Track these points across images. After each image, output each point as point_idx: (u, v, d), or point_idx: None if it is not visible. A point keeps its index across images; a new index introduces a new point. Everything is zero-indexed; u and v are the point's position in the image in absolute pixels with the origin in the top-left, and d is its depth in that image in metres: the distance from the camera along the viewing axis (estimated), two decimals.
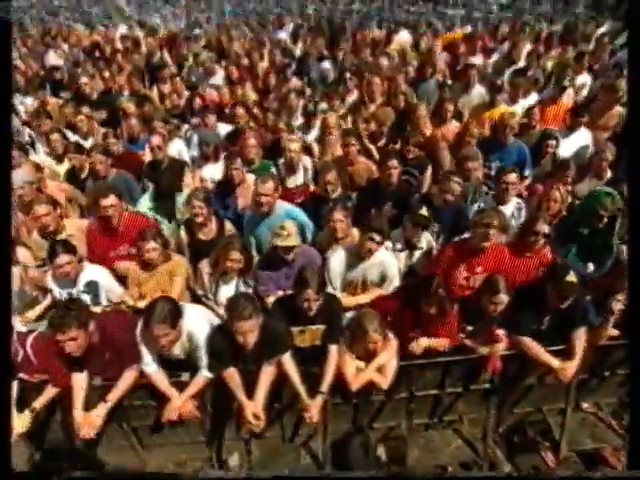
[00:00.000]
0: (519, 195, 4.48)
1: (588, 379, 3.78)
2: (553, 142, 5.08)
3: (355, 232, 3.96)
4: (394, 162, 4.32)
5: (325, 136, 5.21)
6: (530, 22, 8.61)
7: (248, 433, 3.13)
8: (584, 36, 7.99)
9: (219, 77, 7.25)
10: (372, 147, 5.35)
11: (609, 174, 4.75)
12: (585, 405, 4.02)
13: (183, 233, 4.07)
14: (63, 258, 3.31)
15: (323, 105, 6.13)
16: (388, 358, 3.19)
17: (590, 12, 8.99)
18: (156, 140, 4.95)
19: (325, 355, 3.21)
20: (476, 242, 3.56)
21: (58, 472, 1.59)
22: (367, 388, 3.27)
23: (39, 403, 3.06)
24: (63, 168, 5.22)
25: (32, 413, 3.02)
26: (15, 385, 3.07)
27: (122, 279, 3.78)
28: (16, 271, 3.60)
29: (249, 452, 3.71)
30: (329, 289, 3.53)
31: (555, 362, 3.26)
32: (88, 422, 2.94)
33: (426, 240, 3.98)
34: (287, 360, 3.15)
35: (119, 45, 8.36)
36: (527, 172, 5.03)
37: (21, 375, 3.08)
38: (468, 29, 8.57)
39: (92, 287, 3.50)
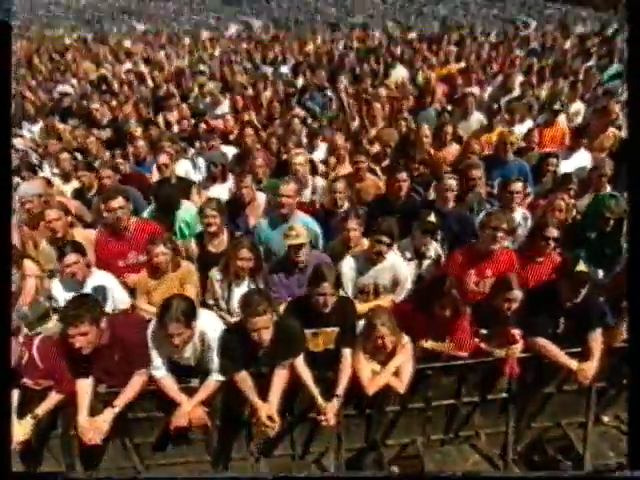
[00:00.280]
0: None
1: (607, 389, 3.69)
2: (554, 160, 5.18)
3: (365, 242, 3.96)
4: (403, 175, 4.38)
5: (333, 155, 5.30)
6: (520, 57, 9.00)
7: (262, 436, 2.99)
8: (572, 70, 8.35)
9: (224, 106, 7.44)
10: (376, 167, 5.45)
11: (608, 189, 4.84)
12: (606, 419, 3.89)
13: (194, 245, 4.04)
14: (71, 257, 3.28)
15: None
16: (404, 361, 3.12)
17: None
18: (163, 158, 5.02)
19: (339, 359, 3.14)
20: (484, 245, 3.58)
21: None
22: (382, 395, 3.17)
23: (42, 410, 2.93)
24: (70, 187, 5.25)
25: (34, 420, 2.89)
26: (17, 391, 2.96)
27: (131, 291, 3.73)
28: (32, 282, 3.54)
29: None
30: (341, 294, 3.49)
31: (574, 363, 3.20)
32: (94, 427, 2.82)
33: (434, 249, 4.00)
34: (300, 363, 3.08)
35: (125, 77, 8.62)
36: (529, 189, 5.11)
37: (24, 380, 2.97)
38: (462, 64, 8.94)
39: (99, 292, 3.42)
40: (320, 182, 5.03)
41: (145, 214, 4.54)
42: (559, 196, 4.15)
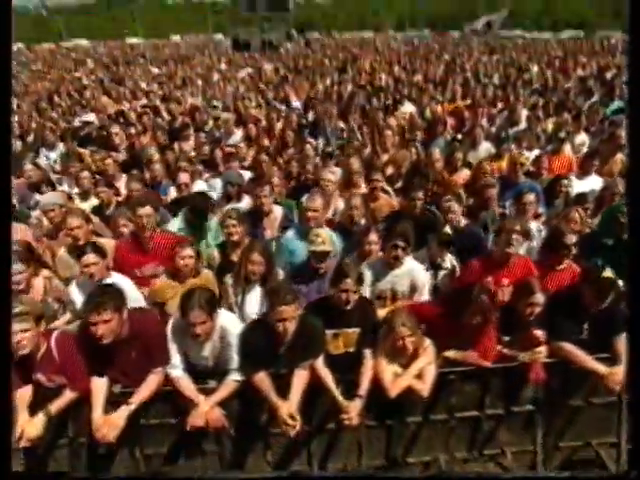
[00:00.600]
0: None
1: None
2: (566, 182, 5.24)
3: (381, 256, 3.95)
4: (419, 193, 4.44)
5: (348, 177, 5.38)
6: (524, 95, 9.32)
7: (284, 434, 2.86)
8: (575, 106, 8.62)
9: (238, 136, 7.65)
10: (389, 189, 5.52)
11: None
12: None
13: (216, 254, 4.03)
14: (90, 257, 3.28)
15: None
16: (427, 362, 3.04)
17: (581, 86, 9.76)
18: (184, 177, 5.13)
19: (360, 360, 3.07)
20: (499, 250, 3.58)
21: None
22: (404, 399, 3.07)
23: (55, 407, 2.84)
24: (88, 205, 5.32)
25: (46, 417, 2.80)
26: (30, 388, 2.89)
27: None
28: (40, 281, 3.54)
29: None
30: None
31: (602, 368, 3.10)
32: (108, 423, 2.72)
33: (450, 261, 4.00)
34: (320, 365, 3.01)
35: (141, 110, 8.92)
36: (541, 210, 5.15)
37: (38, 376, 2.90)
38: (468, 101, 9.25)
39: None
40: (340, 203, 5.08)
41: (176, 222, 4.53)
42: (574, 209, 4.17)
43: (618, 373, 3.07)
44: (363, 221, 4.53)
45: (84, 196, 5.41)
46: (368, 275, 3.63)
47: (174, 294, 3.59)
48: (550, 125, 7.60)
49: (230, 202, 5.21)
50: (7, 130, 1.91)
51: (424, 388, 3.00)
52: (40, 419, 2.78)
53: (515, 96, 8.87)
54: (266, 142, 7.08)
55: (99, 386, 2.89)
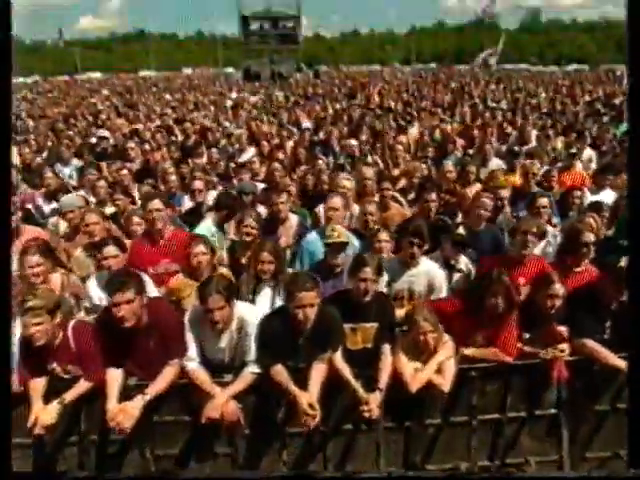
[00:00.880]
0: None
1: None
2: (578, 193, 5.24)
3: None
4: (432, 196, 4.46)
5: (361, 185, 5.41)
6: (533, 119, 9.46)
7: (304, 427, 2.78)
8: (584, 127, 8.71)
9: (250, 153, 7.76)
10: (402, 200, 5.55)
11: None
12: None
13: (225, 256, 4.04)
14: (110, 249, 3.30)
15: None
16: (447, 357, 2.99)
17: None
18: (198, 184, 5.20)
19: (378, 356, 3.02)
20: (515, 250, 3.57)
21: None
22: (424, 396, 3.00)
23: (70, 395, 2.80)
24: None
25: (60, 405, 2.75)
26: (45, 379, 2.86)
27: None
28: (57, 276, 3.54)
29: None
30: None
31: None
32: (124, 412, 2.66)
33: (464, 263, 3.96)
34: (339, 358, 2.96)
35: (155, 130, 9.12)
36: (555, 220, 5.13)
37: (54, 366, 2.88)
38: (478, 122, 9.38)
39: None
40: (355, 209, 5.10)
41: (207, 223, 4.47)
42: (589, 215, 4.16)
43: None
44: (377, 227, 4.53)
45: (101, 205, 5.45)
46: (384, 275, 3.61)
47: (191, 292, 3.59)
48: (560, 144, 7.67)
49: None
50: (7, 129, 1.93)
51: (445, 383, 2.93)
52: (54, 407, 2.74)
53: (524, 118, 8.99)
54: (280, 155, 7.17)
55: (114, 377, 2.85)
